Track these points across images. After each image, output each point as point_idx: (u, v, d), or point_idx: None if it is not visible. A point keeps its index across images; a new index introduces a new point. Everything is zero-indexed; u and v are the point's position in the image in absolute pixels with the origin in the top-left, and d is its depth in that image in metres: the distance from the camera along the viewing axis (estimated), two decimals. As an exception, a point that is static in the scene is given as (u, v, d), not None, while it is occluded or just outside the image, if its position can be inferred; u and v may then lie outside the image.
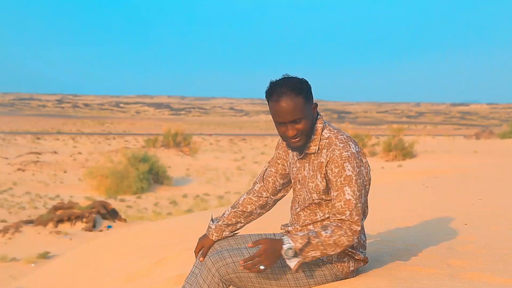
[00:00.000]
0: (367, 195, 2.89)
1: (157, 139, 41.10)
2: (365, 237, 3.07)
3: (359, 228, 2.79)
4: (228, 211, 3.21)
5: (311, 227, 3.00)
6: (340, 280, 3.01)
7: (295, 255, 2.76)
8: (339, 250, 2.79)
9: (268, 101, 2.94)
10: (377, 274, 3.12)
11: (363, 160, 2.88)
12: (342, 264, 2.97)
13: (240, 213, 3.19)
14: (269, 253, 2.74)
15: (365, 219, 3.00)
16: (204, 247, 3.19)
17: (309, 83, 2.95)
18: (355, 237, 2.79)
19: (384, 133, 61.78)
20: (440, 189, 8.90)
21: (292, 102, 2.85)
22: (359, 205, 2.80)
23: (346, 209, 2.79)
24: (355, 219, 2.79)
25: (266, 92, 2.92)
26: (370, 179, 2.91)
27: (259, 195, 3.21)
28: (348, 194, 2.80)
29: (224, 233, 3.18)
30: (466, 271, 3.16)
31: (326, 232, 2.77)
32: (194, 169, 34.00)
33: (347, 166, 2.81)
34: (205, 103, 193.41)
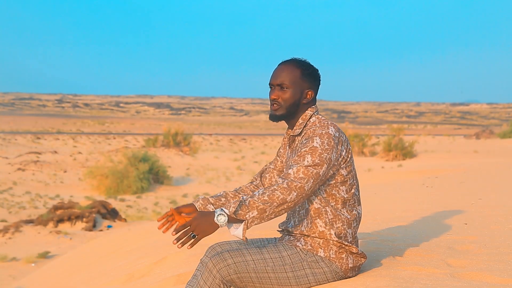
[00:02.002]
0: (327, 175, 2.84)
1: (157, 139, 41.09)
2: (354, 232, 3.03)
3: (297, 185, 2.73)
4: (221, 193, 3.21)
5: (305, 219, 2.99)
6: (340, 277, 3.01)
7: (230, 220, 2.72)
8: (279, 208, 2.72)
9: None
10: (377, 274, 3.12)
11: (339, 145, 2.87)
12: (341, 261, 2.97)
13: (231, 195, 3.18)
14: (199, 221, 2.73)
15: (354, 210, 3.00)
16: (180, 209, 3.07)
17: (319, 74, 3.04)
18: (292, 194, 2.72)
19: (384, 132, 61.77)
20: (440, 189, 8.90)
21: (287, 69, 2.98)
22: (311, 169, 2.77)
23: (297, 165, 2.78)
24: (300, 176, 2.75)
25: None
26: (346, 161, 2.91)
27: (255, 189, 3.24)
28: (306, 160, 2.79)
29: (208, 205, 3.14)
30: (466, 271, 3.17)
31: (259, 191, 2.76)
32: (194, 169, 34.00)
33: (316, 139, 2.84)
34: (205, 103, 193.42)
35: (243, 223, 2.73)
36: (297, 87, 2.98)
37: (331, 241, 2.95)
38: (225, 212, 2.72)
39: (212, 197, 3.17)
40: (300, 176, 2.75)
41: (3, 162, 34.52)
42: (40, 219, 17.37)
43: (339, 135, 2.90)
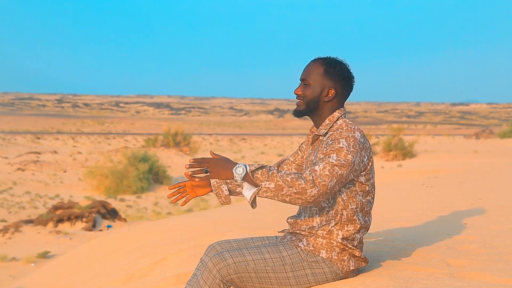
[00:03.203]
0: (348, 178, 2.83)
1: (157, 138, 41.06)
2: (361, 237, 3.04)
3: (321, 182, 2.72)
4: None
5: (317, 216, 2.98)
6: (340, 279, 3.01)
7: (246, 179, 2.73)
8: (295, 196, 2.70)
9: None
10: (377, 274, 3.12)
11: (362, 151, 2.88)
12: (342, 263, 2.97)
13: None
14: (219, 162, 2.75)
15: (367, 217, 3.00)
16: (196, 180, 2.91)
17: (348, 74, 3.02)
18: (314, 189, 2.71)
19: (384, 132, 61.73)
20: (440, 189, 8.90)
21: (313, 66, 3.02)
22: (337, 168, 2.77)
23: (323, 163, 2.78)
24: (325, 173, 2.74)
25: None
26: (366, 169, 2.92)
27: None
28: (332, 158, 2.79)
29: (223, 185, 3.17)
30: (466, 271, 3.17)
31: (286, 172, 2.76)
32: (194, 169, 33.95)
33: (342, 141, 2.84)
34: (205, 103, 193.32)
35: (256, 188, 2.73)
36: (318, 84, 3.00)
37: (335, 243, 2.95)
38: (246, 167, 2.73)
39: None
40: (325, 173, 2.74)
41: (3, 162, 34.50)
42: (40, 219, 17.36)
43: (364, 141, 2.90)
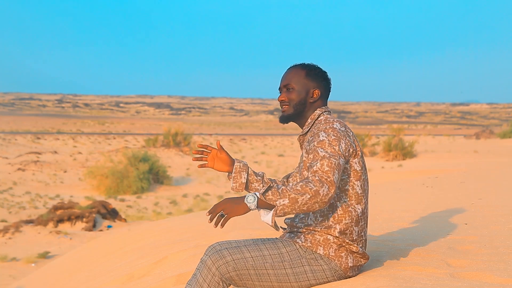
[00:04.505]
0: (342, 167, 2.84)
1: (157, 138, 41.09)
2: (363, 232, 3.04)
3: (328, 179, 2.73)
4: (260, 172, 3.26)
5: (312, 212, 3.00)
6: (339, 276, 3.00)
7: (260, 204, 2.73)
8: (312, 201, 2.70)
9: None
10: (377, 274, 3.12)
11: (346, 138, 2.90)
12: (340, 259, 2.97)
13: (266, 180, 3.23)
14: (230, 202, 2.77)
15: (362, 205, 3.00)
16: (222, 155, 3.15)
17: (327, 75, 3.10)
18: (324, 186, 2.71)
19: (384, 132, 61.77)
20: (440, 189, 8.89)
21: (293, 71, 3.09)
22: (332, 159, 2.78)
23: (318, 161, 2.79)
24: (326, 169, 2.76)
25: None
26: (358, 155, 2.95)
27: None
28: (321, 152, 2.82)
29: (243, 172, 3.15)
30: (466, 271, 3.16)
31: (293, 183, 2.82)
32: (194, 169, 33.98)
33: (321, 134, 2.89)
34: (205, 103, 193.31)
35: (273, 209, 2.72)
36: (302, 86, 3.06)
37: (332, 239, 2.96)
38: (255, 194, 2.74)
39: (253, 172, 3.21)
40: (326, 169, 2.75)
41: (3, 162, 34.50)
42: (40, 219, 17.36)
43: (345, 129, 2.93)
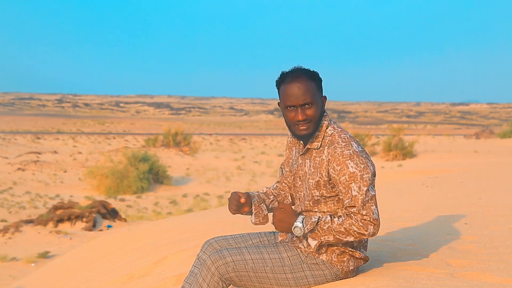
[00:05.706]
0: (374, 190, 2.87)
1: (157, 138, 41.06)
2: (364, 240, 3.05)
3: (370, 219, 2.78)
4: (263, 190, 3.25)
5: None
6: (340, 279, 3.01)
7: (305, 235, 2.89)
8: (352, 238, 2.81)
9: (279, 87, 2.93)
10: (377, 274, 3.11)
11: (368, 158, 2.87)
12: (342, 264, 2.97)
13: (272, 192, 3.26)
14: (282, 221, 2.88)
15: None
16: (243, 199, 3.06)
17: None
18: (369, 228, 2.78)
19: (384, 132, 61.76)
20: (440, 189, 8.88)
21: (306, 85, 2.86)
22: (366, 199, 2.79)
23: (354, 204, 2.80)
24: (363, 213, 2.78)
25: (278, 77, 2.94)
26: (375, 175, 2.90)
27: (280, 191, 3.27)
28: (354, 190, 2.80)
29: (262, 204, 3.14)
30: (466, 271, 3.16)
31: (338, 220, 2.83)
32: (194, 169, 33.97)
33: (349, 164, 2.81)
34: (205, 103, 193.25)
35: (318, 241, 2.87)
36: (317, 99, 2.91)
37: (335, 245, 2.95)
38: (301, 226, 2.85)
39: (264, 193, 3.20)
40: (369, 207, 2.80)
41: (3, 162, 34.49)
42: (40, 219, 17.35)
43: (362, 148, 2.88)
